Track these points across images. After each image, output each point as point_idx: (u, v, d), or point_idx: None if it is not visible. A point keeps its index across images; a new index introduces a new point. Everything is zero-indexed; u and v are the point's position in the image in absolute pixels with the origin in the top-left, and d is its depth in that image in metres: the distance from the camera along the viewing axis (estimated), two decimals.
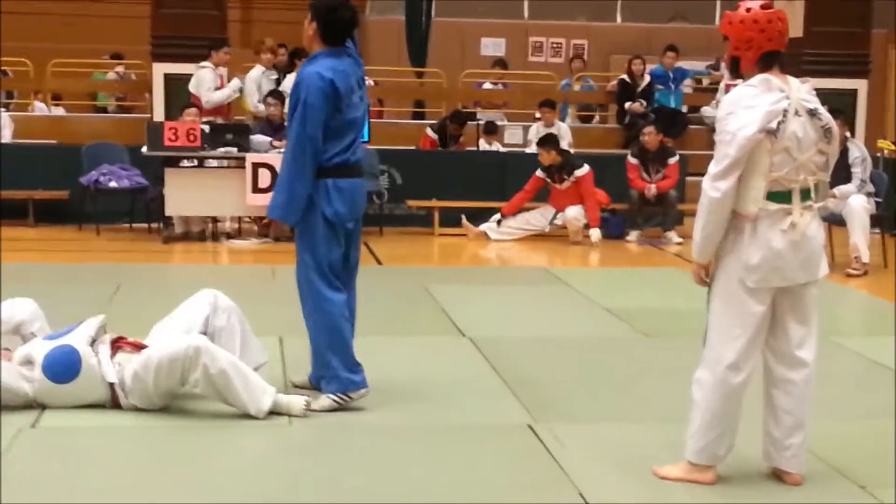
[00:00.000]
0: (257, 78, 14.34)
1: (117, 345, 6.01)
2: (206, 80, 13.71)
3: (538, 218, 13.04)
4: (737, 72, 5.00)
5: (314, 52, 5.98)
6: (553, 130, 14.65)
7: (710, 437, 4.97)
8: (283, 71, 14.82)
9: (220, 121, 13.38)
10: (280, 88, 13.90)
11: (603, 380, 6.88)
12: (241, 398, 5.77)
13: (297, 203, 5.85)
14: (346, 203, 5.94)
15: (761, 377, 5.05)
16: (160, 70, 14.53)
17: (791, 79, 4.92)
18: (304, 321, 6.12)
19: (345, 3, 6.01)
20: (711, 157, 4.87)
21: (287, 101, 13.34)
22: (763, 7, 4.91)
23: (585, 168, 12.84)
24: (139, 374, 5.82)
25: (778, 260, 4.81)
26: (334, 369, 5.99)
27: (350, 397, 6.01)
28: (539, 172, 12.93)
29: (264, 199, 11.68)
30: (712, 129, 4.97)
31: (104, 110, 19.14)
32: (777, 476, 5.08)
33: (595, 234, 12.75)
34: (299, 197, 5.84)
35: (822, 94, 5.08)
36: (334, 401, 5.98)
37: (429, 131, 15.24)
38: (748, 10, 4.90)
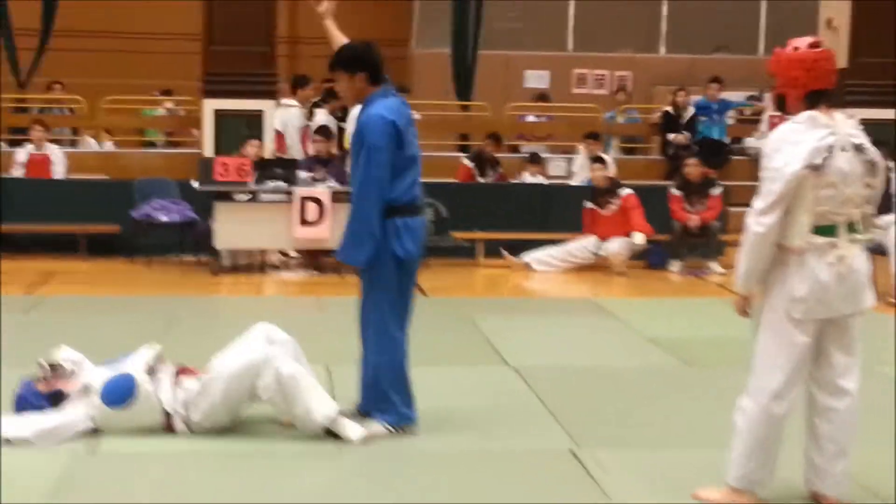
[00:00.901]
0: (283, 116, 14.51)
1: (181, 373, 6.18)
2: (293, 117, 13.88)
3: (581, 249, 13.12)
4: (783, 109, 5.10)
5: (367, 98, 6.06)
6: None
7: (752, 464, 5.05)
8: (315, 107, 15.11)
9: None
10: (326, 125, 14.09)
11: (646, 407, 6.96)
12: (310, 404, 5.95)
13: (368, 244, 5.93)
14: (416, 241, 6.08)
15: (805, 405, 5.13)
16: (210, 106, 14.73)
17: (837, 115, 5.01)
18: (363, 355, 6.23)
19: (370, 42, 6.16)
20: (754, 188, 4.97)
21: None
22: (811, 46, 5.00)
23: (629, 190, 12.98)
24: (208, 386, 6.01)
25: (824, 292, 4.90)
26: (393, 404, 6.15)
27: (402, 430, 6.16)
28: (587, 204, 13.06)
29: (311, 233, 12.00)
30: (755, 161, 5.08)
31: (152, 145, 19.42)
32: (817, 501, 5.15)
33: (639, 237, 12.85)
34: (369, 238, 5.93)
35: (864, 125, 5.16)
36: (387, 430, 6.12)
37: (465, 161, 15.36)
38: (796, 48, 5.00)
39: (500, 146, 15.71)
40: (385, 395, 6.14)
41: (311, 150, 13.74)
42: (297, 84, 14.35)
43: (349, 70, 6.06)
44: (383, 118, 5.91)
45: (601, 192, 13.06)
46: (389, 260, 6.01)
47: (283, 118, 14.11)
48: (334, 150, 13.76)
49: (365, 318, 6.18)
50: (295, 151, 14.19)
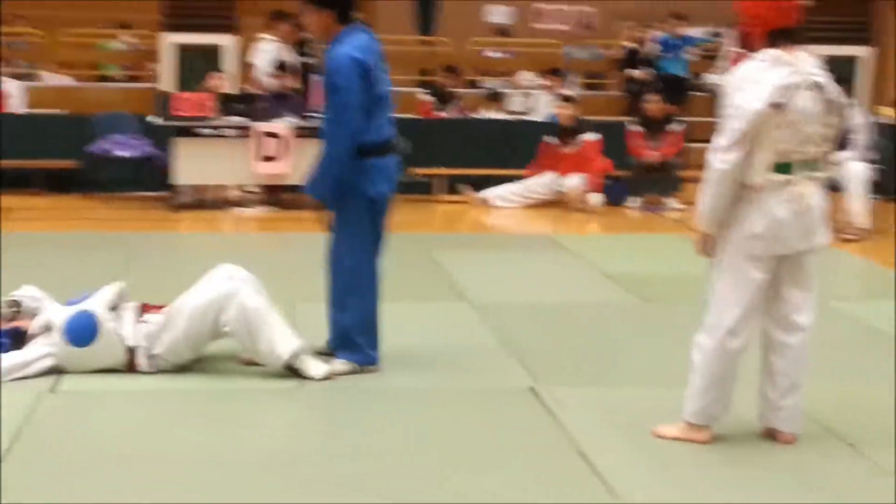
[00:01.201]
0: (263, 49, 14.34)
1: (145, 309, 6.20)
2: (268, 54, 13.81)
3: (540, 185, 13.15)
4: (747, 46, 5.12)
5: (335, 36, 6.01)
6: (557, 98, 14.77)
7: (708, 398, 5.15)
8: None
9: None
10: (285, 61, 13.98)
11: (604, 345, 7.04)
12: (274, 337, 6.00)
13: (337, 185, 5.97)
14: (388, 180, 6.11)
15: (759, 341, 5.21)
16: (170, 39, 14.60)
17: (800, 53, 5.03)
18: (333, 295, 6.26)
19: None
20: (714, 124, 5.01)
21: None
22: None
23: (597, 135, 13.02)
24: (171, 320, 6.03)
25: (781, 229, 4.96)
26: (360, 346, 6.21)
27: (365, 370, 6.21)
28: (547, 138, 13.05)
29: (271, 168, 11.97)
30: (715, 97, 5.11)
31: (110, 79, 19.23)
32: (771, 436, 5.26)
33: (595, 198, 12.89)
34: (339, 179, 5.95)
35: (824, 61, 5.20)
36: (351, 368, 6.18)
37: (420, 95, 15.30)
38: None
39: (457, 79, 15.66)
40: (353, 335, 6.19)
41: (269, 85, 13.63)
42: (276, 19, 14.21)
43: (317, 5, 6.03)
44: (351, 57, 5.86)
45: (565, 131, 13.06)
46: (361, 200, 6.03)
47: (262, 53, 13.95)
48: (293, 85, 13.67)
49: (336, 259, 6.20)
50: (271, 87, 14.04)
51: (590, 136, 13.01)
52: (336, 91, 5.88)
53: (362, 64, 5.88)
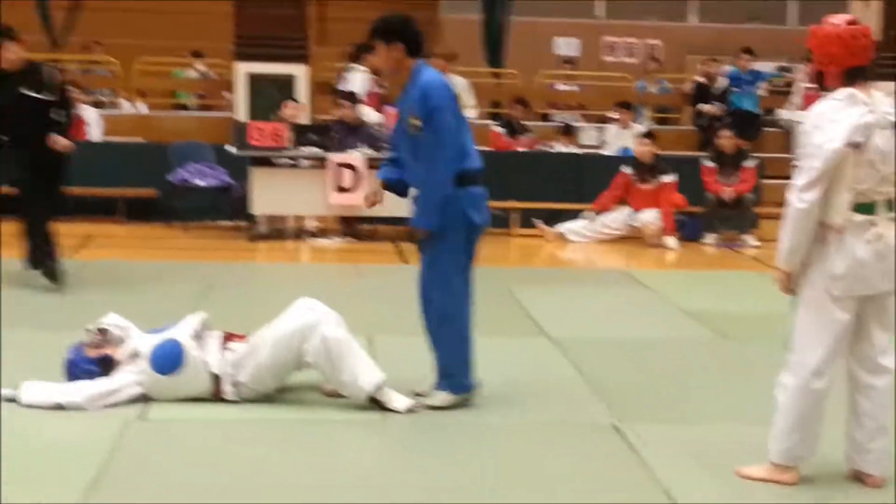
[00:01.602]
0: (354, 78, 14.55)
1: (229, 339, 6.27)
2: (359, 83, 13.93)
3: (614, 220, 13.15)
4: (822, 85, 5.14)
5: (412, 69, 6.04)
6: (629, 133, 14.78)
7: (794, 439, 5.12)
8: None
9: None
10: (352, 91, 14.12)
11: (684, 381, 7.03)
12: (356, 369, 6.04)
13: (440, 210, 5.98)
14: (486, 209, 6.17)
15: (845, 382, 5.19)
16: (243, 69, 14.77)
17: (875, 92, 5.05)
18: (430, 329, 6.26)
19: (408, 16, 6.18)
20: (787, 160, 5.03)
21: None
22: (848, 23, 5.03)
23: (673, 176, 12.98)
24: (256, 347, 6.11)
25: (862, 269, 4.95)
26: (454, 375, 6.24)
27: (463, 398, 6.25)
28: (626, 169, 13.04)
29: (346, 199, 12.07)
30: (788, 133, 5.12)
31: (184, 108, 19.48)
32: (858, 478, 5.22)
33: (671, 241, 12.87)
34: (442, 204, 5.97)
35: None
36: (450, 400, 6.21)
37: (493, 127, 15.37)
38: (833, 25, 5.03)
39: (527, 110, 15.69)
40: (449, 365, 6.23)
41: (338, 115, 13.72)
42: (365, 50, 14.39)
43: (387, 40, 6.05)
44: (440, 80, 5.99)
45: (644, 167, 13.04)
46: (464, 228, 6.07)
47: (352, 82, 14.13)
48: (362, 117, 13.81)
49: (428, 287, 6.20)
50: (367, 116, 14.20)
51: (667, 178, 12.97)
52: (433, 114, 5.90)
53: (450, 88, 6.00)
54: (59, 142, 8.67)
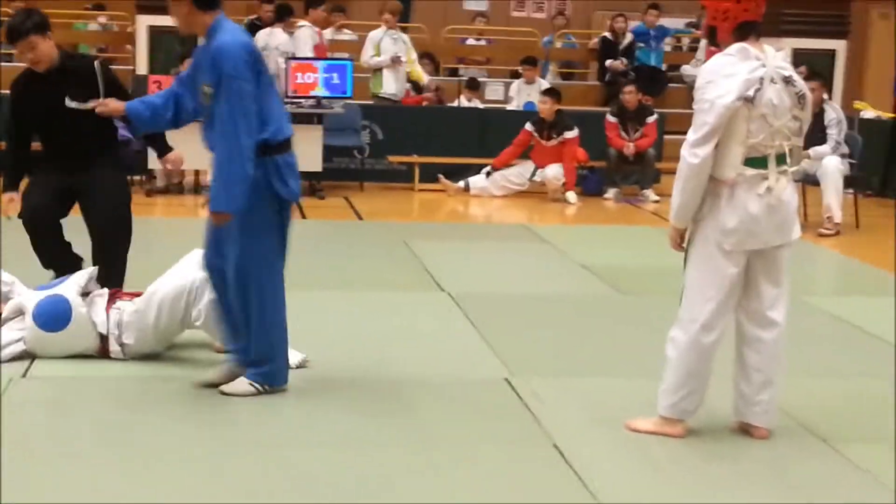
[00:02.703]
0: (375, 37, 14.37)
1: (116, 296, 6.15)
2: (306, 40, 13.76)
3: (517, 174, 13.14)
4: (714, 41, 5.15)
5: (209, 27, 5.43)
6: (534, 87, 14.76)
7: (682, 393, 5.14)
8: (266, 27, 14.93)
9: None
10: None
11: (579, 336, 7.04)
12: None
13: (244, 187, 5.30)
14: (297, 178, 5.56)
15: (734, 335, 5.22)
16: (144, 22, 14.52)
17: (767, 47, 5.08)
18: (248, 316, 5.61)
19: None
20: (691, 115, 5.01)
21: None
22: None
23: (575, 131, 12.96)
24: (141, 309, 5.99)
25: (754, 224, 4.97)
26: (274, 363, 5.67)
27: (273, 389, 5.68)
28: (528, 126, 13.00)
29: None
30: (692, 88, 5.12)
31: None
32: (745, 430, 5.26)
33: (571, 196, 12.89)
34: (244, 180, 5.29)
35: (801, 55, 5.23)
36: (256, 389, 5.64)
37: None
38: None
39: (433, 66, 15.60)
40: (270, 352, 5.65)
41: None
42: (310, 4, 14.24)
43: None
44: (236, 42, 5.33)
45: (546, 124, 13.02)
46: (272, 202, 5.48)
47: (296, 40, 13.92)
48: (278, 71, 13.62)
49: (241, 269, 5.51)
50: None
51: (570, 134, 12.96)
52: (224, 82, 5.26)
53: (249, 49, 5.37)
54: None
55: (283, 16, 14.85)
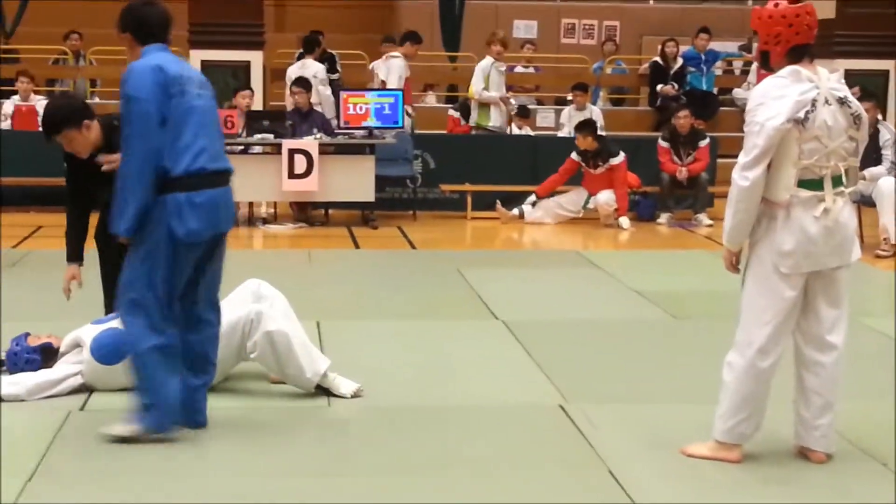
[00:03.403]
0: (486, 67, 14.42)
1: None
2: (396, 70, 13.93)
3: (570, 201, 13.12)
4: (767, 65, 5.14)
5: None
6: (585, 114, 14.75)
7: (739, 417, 5.10)
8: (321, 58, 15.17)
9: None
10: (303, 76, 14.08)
11: (633, 361, 7.01)
12: (300, 361, 5.93)
13: (133, 211, 5.17)
14: (205, 217, 5.26)
15: (792, 358, 5.17)
16: (197, 57, 14.68)
17: (820, 69, 5.06)
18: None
19: (148, 2, 5.47)
20: (743, 139, 5.00)
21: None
22: (791, 1, 5.02)
23: (621, 157, 12.89)
24: None
25: (811, 246, 4.94)
26: (148, 409, 5.35)
27: (149, 437, 5.34)
28: (574, 155, 12.98)
29: (300, 185, 12.01)
30: (744, 112, 5.11)
31: None
32: (803, 455, 5.21)
33: (625, 221, 12.85)
34: (133, 203, 5.16)
35: (854, 76, 5.22)
36: (132, 432, 5.34)
37: (451, 112, 15.34)
38: (776, 4, 5.02)
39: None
40: (142, 393, 5.36)
41: (290, 102, 13.70)
42: (407, 38, 14.41)
43: (120, 30, 5.43)
44: (146, 65, 5.19)
45: (591, 154, 12.97)
46: (165, 237, 5.22)
47: (389, 69, 14.11)
48: (320, 98, 13.78)
49: (123, 293, 5.34)
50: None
51: (616, 160, 12.91)
52: (126, 102, 5.18)
53: (161, 70, 5.18)
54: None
55: (311, 47, 15.03)
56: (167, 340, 5.32)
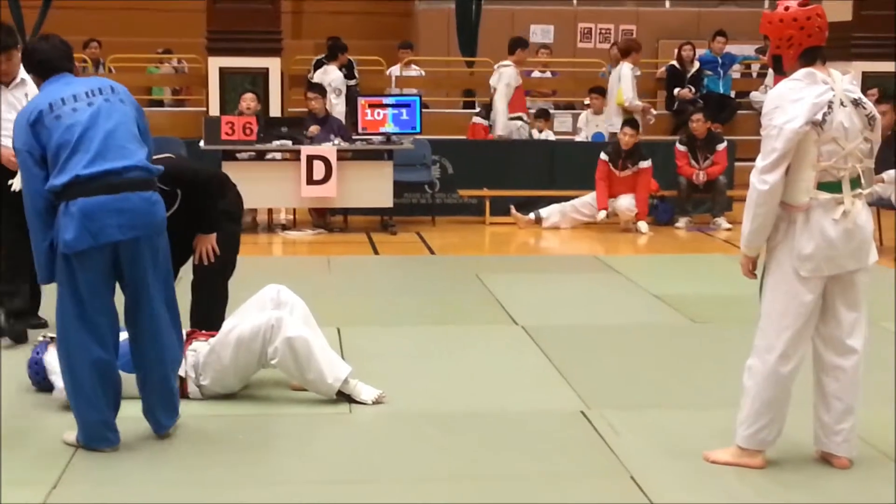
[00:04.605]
0: (629, 75, 14.52)
1: (192, 337, 6.23)
2: (506, 79, 14.07)
3: (588, 206, 13.08)
4: (780, 70, 5.14)
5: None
6: (602, 118, 14.76)
7: (760, 423, 5.10)
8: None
9: None
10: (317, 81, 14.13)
11: (654, 367, 7.01)
12: (321, 366, 5.96)
13: (41, 261, 5.32)
14: (84, 227, 5.14)
15: (811, 362, 5.17)
16: (215, 64, 14.72)
17: (834, 71, 5.06)
18: None
19: (42, 37, 5.70)
20: (760, 142, 5.00)
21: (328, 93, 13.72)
22: (801, 4, 5.04)
23: (650, 161, 12.91)
24: (217, 350, 6.05)
25: (831, 249, 4.93)
26: (79, 425, 5.40)
27: (87, 447, 5.38)
28: (603, 156, 12.94)
29: (319, 191, 12.04)
30: (760, 115, 5.11)
31: (160, 104, 19.40)
32: (826, 460, 5.21)
33: (643, 226, 12.83)
34: (38, 254, 5.32)
35: (871, 78, 5.20)
36: (76, 440, 5.42)
37: (477, 119, 15.34)
38: (787, 8, 5.03)
39: None
40: (73, 409, 5.41)
41: (308, 107, 13.75)
42: (516, 45, 14.47)
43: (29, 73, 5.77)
44: (25, 111, 5.39)
45: (624, 154, 12.95)
46: (57, 255, 5.24)
47: (498, 76, 14.19)
48: (330, 108, 13.80)
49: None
50: (498, 106, 14.28)
51: (645, 164, 12.91)
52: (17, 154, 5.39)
53: (33, 112, 5.29)
54: None
55: (335, 52, 15.07)
56: (93, 355, 5.29)
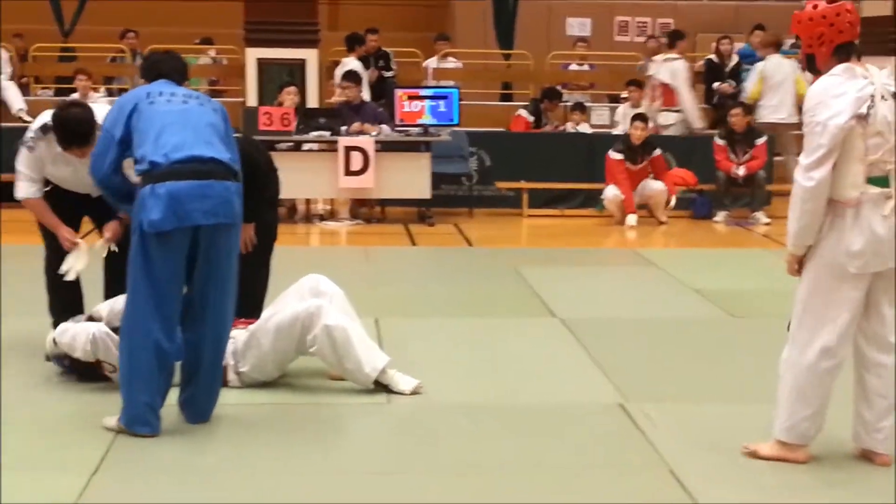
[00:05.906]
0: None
1: (234, 324, 6.23)
2: (680, 71, 14.31)
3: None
4: (814, 69, 5.11)
5: None
6: (640, 110, 14.70)
7: (799, 416, 5.05)
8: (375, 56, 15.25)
9: None
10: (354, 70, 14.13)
11: (693, 360, 6.98)
12: (359, 355, 5.96)
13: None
14: (168, 209, 5.29)
15: (853, 358, 5.12)
16: (252, 55, 14.76)
17: (869, 65, 5.00)
18: None
19: (167, 52, 6.12)
20: (799, 136, 4.95)
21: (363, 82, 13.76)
22: (830, 1, 4.99)
23: (658, 150, 12.93)
24: (257, 337, 6.08)
25: (880, 245, 4.89)
26: (127, 401, 5.42)
27: (129, 432, 5.41)
28: (616, 156, 12.87)
29: (357, 182, 12.05)
30: (799, 109, 5.07)
31: None
32: (866, 457, 5.16)
33: (632, 219, 12.70)
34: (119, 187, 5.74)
35: None
36: (117, 425, 5.46)
37: (523, 112, 15.23)
38: (815, 6, 4.99)
39: (557, 105, 15.49)
40: (122, 386, 5.46)
41: (340, 96, 13.74)
42: (677, 38, 14.68)
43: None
44: (119, 98, 5.81)
45: (637, 148, 12.92)
46: (136, 233, 5.40)
47: (671, 71, 14.27)
48: (364, 96, 13.79)
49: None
50: (687, 103, 14.43)
51: (655, 152, 12.87)
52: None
53: (125, 101, 5.62)
54: None
55: (352, 45, 15.10)
56: (155, 338, 5.37)
